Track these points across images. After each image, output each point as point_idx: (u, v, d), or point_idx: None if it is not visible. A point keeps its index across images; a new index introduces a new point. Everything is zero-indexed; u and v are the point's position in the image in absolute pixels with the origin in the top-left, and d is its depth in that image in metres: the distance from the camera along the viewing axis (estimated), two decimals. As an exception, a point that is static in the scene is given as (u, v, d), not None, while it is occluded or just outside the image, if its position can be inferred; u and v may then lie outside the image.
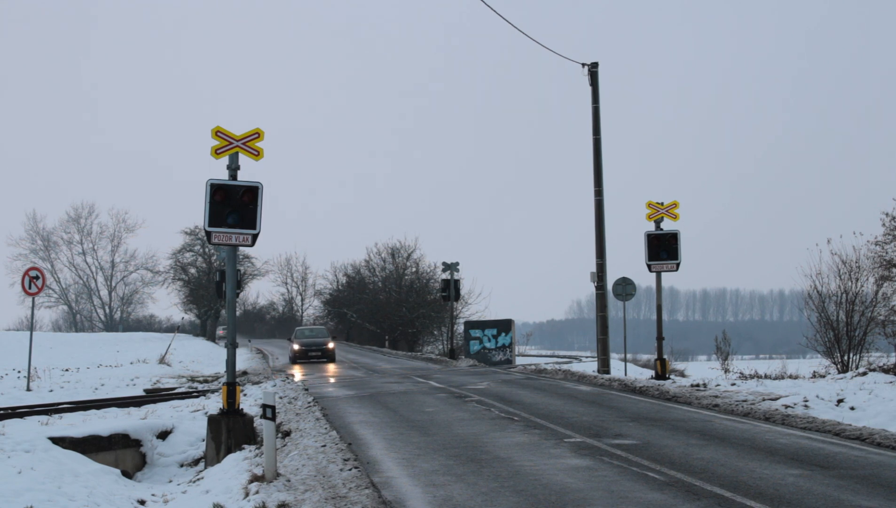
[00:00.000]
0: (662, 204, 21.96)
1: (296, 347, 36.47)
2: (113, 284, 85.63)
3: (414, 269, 60.32)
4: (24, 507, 10.45)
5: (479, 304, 56.15)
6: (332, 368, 31.82)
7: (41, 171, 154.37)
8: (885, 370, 20.40)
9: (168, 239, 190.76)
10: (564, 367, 31.90)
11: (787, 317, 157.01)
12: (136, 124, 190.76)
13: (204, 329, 70.45)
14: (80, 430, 15.13)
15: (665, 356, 22.72)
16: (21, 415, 17.27)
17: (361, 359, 38.44)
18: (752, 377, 24.63)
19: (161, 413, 17.62)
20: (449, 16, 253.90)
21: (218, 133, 13.63)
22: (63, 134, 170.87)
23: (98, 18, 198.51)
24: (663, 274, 22.13)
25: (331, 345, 36.93)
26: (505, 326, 39.23)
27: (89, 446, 14.67)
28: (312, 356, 36.26)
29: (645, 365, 50.79)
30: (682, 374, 40.65)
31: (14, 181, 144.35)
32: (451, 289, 38.77)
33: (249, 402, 17.93)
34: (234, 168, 13.74)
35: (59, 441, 14.20)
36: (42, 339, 50.02)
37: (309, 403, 17.41)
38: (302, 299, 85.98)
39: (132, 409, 18.63)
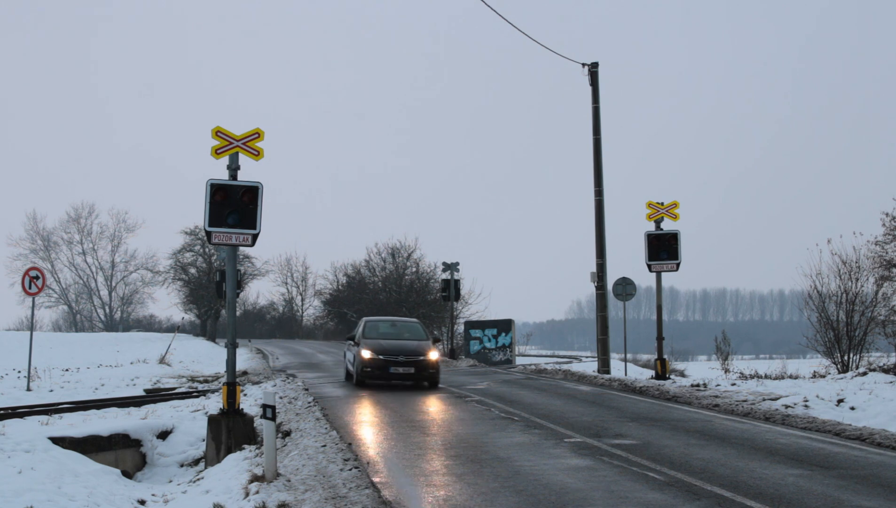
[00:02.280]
0: (662, 204, 21.97)
1: (366, 354, 20.52)
2: (113, 284, 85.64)
3: (414, 269, 60.34)
4: (24, 507, 10.45)
5: (479, 304, 56.00)
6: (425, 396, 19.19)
7: (41, 170, 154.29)
8: (886, 370, 20.40)
9: (168, 239, 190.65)
10: (564, 367, 31.91)
11: (787, 317, 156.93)
12: (136, 123, 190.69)
13: (204, 329, 70.48)
14: (80, 430, 15.13)
15: (665, 356, 22.74)
16: (21, 415, 17.27)
17: (361, 359, 38.41)
18: (752, 377, 24.63)
19: (161, 413, 17.62)
20: (449, 15, 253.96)
21: (218, 133, 13.64)
22: (63, 133, 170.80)
23: (99, 18, 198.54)
24: (663, 274, 22.15)
25: (433, 355, 20.84)
26: (505, 326, 39.24)
27: (89, 446, 14.68)
28: (398, 373, 20.46)
29: (645, 365, 50.77)
30: (682, 374, 40.65)
31: (14, 181, 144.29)
32: (452, 289, 38.77)
33: (249, 402, 17.94)
34: (234, 168, 13.75)
35: (59, 441, 14.20)
36: (42, 339, 50.01)
37: (309, 403, 17.41)
38: (302, 299, 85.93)
39: (132, 409, 18.64)
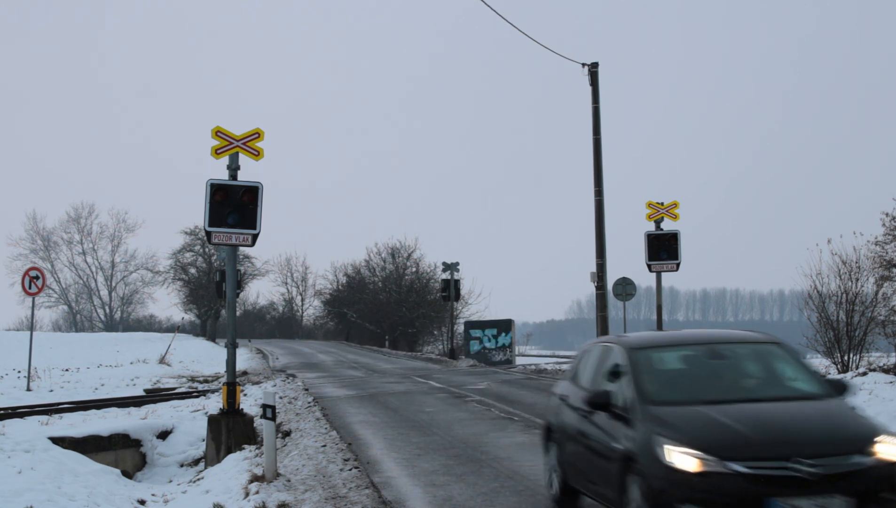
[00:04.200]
0: (662, 204, 21.95)
1: (688, 463, 6.13)
2: (113, 284, 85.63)
3: (414, 269, 60.34)
4: (24, 507, 10.46)
5: (479, 304, 55.83)
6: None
7: (42, 170, 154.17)
8: (885, 370, 20.36)
9: (168, 239, 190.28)
10: (564, 367, 31.92)
11: (787, 317, 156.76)
12: (136, 123, 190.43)
13: (204, 329, 70.50)
14: (80, 430, 15.14)
15: (665, 356, 22.68)
16: (21, 415, 17.28)
17: (361, 359, 38.41)
18: (752, 376, 24.60)
19: (161, 413, 17.63)
20: (448, 15, 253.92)
21: (218, 133, 13.63)
22: (63, 133, 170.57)
23: (99, 18, 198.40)
24: (663, 274, 22.15)
25: (887, 449, 6.27)
26: (505, 326, 39.26)
27: (89, 446, 14.68)
28: None
29: (645, 365, 50.70)
30: (682, 374, 40.58)
31: (15, 181, 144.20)
32: (451, 289, 38.78)
33: (249, 402, 17.93)
34: (234, 168, 13.74)
35: (59, 441, 14.21)
36: (42, 339, 49.99)
37: (309, 403, 17.42)
38: (302, 299, 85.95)
39: (132, 409, 18.64)
